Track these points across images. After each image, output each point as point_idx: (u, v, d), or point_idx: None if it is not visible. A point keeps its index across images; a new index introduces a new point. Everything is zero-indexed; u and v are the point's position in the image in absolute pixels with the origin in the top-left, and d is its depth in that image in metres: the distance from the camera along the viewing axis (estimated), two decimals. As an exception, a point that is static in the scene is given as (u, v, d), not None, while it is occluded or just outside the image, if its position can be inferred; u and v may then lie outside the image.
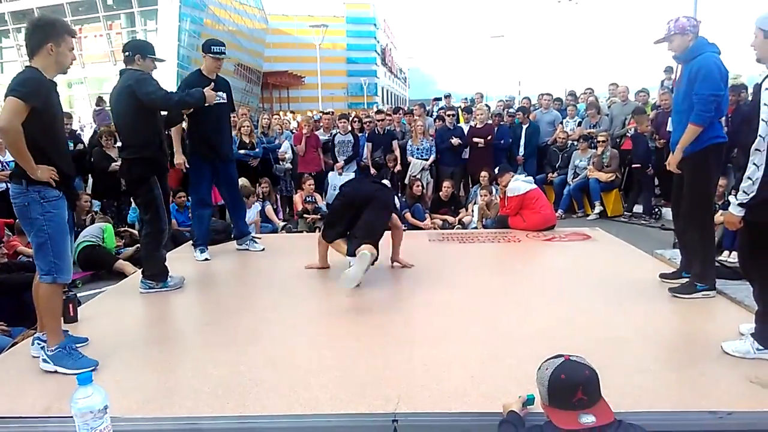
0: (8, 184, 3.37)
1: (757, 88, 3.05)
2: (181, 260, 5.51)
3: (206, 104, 4.81)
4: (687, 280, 4.25)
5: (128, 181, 4.77)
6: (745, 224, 3.09)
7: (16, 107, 3.02)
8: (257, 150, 9.38)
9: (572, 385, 2.04)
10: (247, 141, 9.35)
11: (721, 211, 6.25)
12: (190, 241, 6.05)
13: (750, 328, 3.34)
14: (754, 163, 2.92)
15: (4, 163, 7.91)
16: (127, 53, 4.53)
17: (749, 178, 2.94)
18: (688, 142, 3.98)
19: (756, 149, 2.91)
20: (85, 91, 35.00)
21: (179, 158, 5.65)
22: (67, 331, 3.56)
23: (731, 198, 3.09)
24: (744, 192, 2.98)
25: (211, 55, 5.43)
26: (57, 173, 3.18)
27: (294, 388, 2.92)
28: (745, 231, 3.15)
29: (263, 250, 6.15)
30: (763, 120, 2.86)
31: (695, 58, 3.94)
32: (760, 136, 2.88)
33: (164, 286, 4.63)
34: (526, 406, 2.48)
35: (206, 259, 5.67)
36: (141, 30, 39.59)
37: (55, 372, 3.13)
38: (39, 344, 3.31)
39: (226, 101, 5.55)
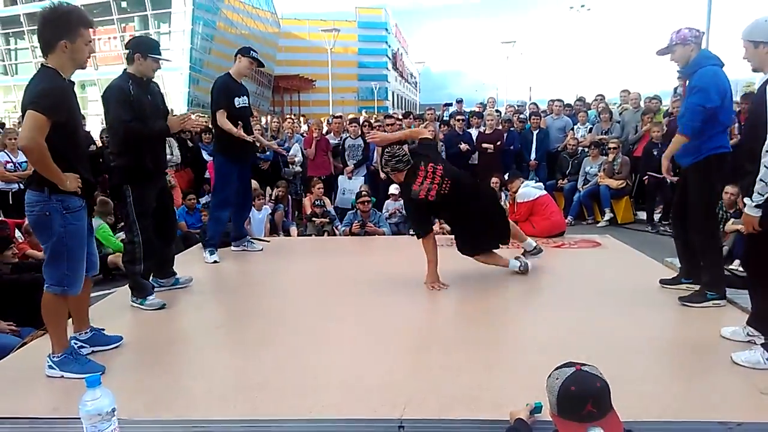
0: (19, 186, 3.27)
1: (761, 92, 3.05)
2: (189, 262, 5.53)
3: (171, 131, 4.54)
4: (697, 288, 4.22)
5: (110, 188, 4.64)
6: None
7: (38, 123, 2.85)
8: (268, 153, 9.37)
9: (583, 397, 2.00)
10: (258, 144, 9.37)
11: (732, 220, 6.23)
12: (200, 243, 6.06)
13: (732, 331, 3.40)
14: (765, 165, 2.93)
15: (17, 164, 8.00)
16: (127, 51, 4.33)
17: (762, 180, 2.96)
18: (673, 152, 4.14)
19: (766, 151, 2.92)
20: (97, 93, 35.28)
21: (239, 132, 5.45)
22: (102, 329, 3.59)
23: (746, 200, 3.10)
24: (759, 193, 3.00)
25: (249, 57, 5.53)
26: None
27: (301, 393, 2.92)
28: (753, 235, 3.17)
29: (262, 250, 6.18)
30: None
31: (695, 72, 3.94)
32: None
33: (142, 303, 4.34)
34: (533, 414, 2.45)
35: (215, 262, 5.68)
36: (154, 32, 39.91)
37: (61, 377, 3.10)
38: (75, 343, 3.33)
39: (247, 105, 5.71)
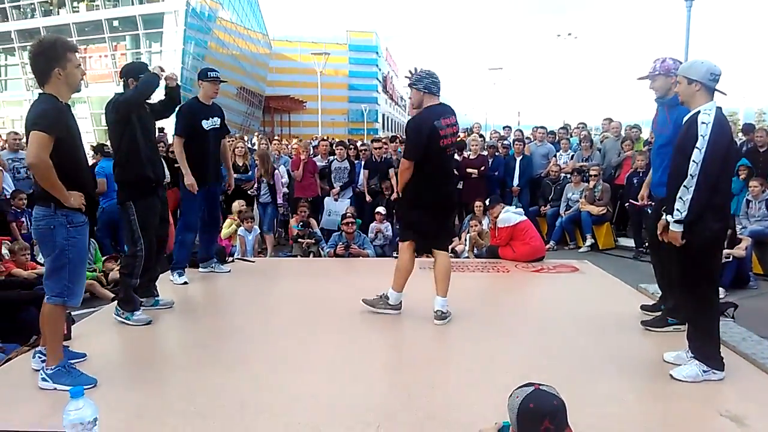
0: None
1: (693, 120, 3.31)
2: (161, 282, 5.35)
3: (162, 79, 4.56)
4: (660, 313, 4.39)
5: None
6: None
7: (42, 141, 3.06)
8: (250, 173, 9.21)
9: (540, 414, 2.13)
10: (241, 163, 9.24)
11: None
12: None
13: (675, 356, 3.59)
14: (685, 186, 3.24)
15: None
16: (123, 79, 4.60)
17: (681, 198, 3.27)
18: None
19: (691, 175, 3.21)
20: (87, 111, 35.32)
21: (189, 179, 5.47)
22: (67, 346, 3.65)
23: (667, 217, 3.36)
24: (678, 210, 3.28)
25: (207, 80, 5.55)
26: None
27: (278, 411, 3.01)
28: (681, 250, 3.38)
29: (229, 272, 6.25)
30: (697, 148, 3.20)
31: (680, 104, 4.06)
32: (693, 161, 3.21)
33: (128, 318, 4.42)
34: (501, 432, 2.56)
35: (185, 283, 5.68)
36: (145, 52, 40.05)
37: (54, 390, 3.19)
38: (40, 357, 3.38)
39: (220, 127, 5.70)
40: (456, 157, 10.49)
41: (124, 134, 4.38)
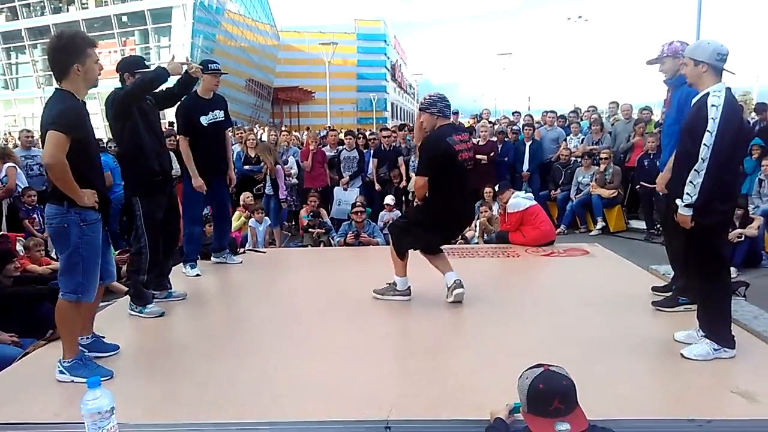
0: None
1: (703, 104, 3.25)
2: (173, 275, 5.42)
3: (172, 75, 4.36)
4: (670, 293, 4.39)
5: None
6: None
7: (59, 141, 3.05)
8: (262, 164, 9.35)
9: (550, 394, 2.15)
10: (252, 155, 9.45)
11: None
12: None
13: (686, 335, 3.58)
14: (696, 170, 3.20)
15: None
16: (119, 74, 4.50)
17: (691, 182, 3.23)
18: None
19: (702, 158, 3.17)
20: (98, 106, 35.46)
21: (197, 181, 5.49)
22: (103, 337, 3.74)
23: (678, 201, 3.33)
24: (688, 194, 3.25)
25: (207, 73, 5.31)
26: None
27: (291, 397, 3.05)
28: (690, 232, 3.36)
29: (241, 263, 6.27)
30: (708, 131, 3.15)
31: (685, 83, 4.07)
32: (704, 145, 3.16)
33: (141, 311, 4.48)
34: (512, 413, 2.56)
35: (197, 275, 5.71)
36: (154, 46, 40.22)
37: (72, 382, 3.24)
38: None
39: (223, 119, 5.63)
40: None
41: (125, 128, 4.34)
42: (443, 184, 4.35)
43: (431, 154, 4.34)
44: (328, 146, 10.48)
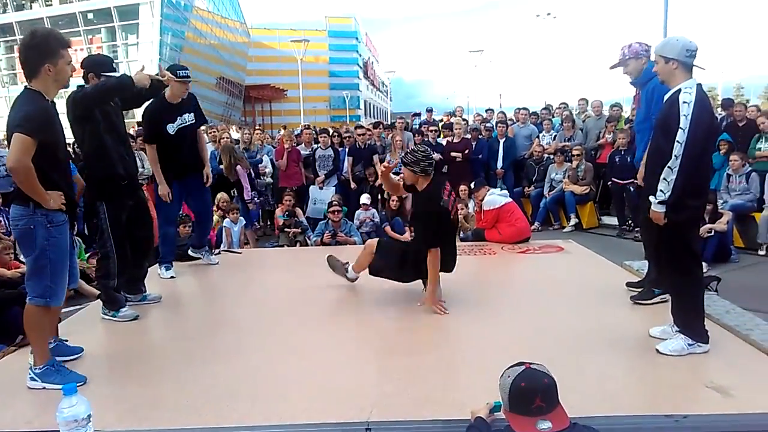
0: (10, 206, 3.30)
1: (675, 101, 3.29)
2: (148, 277, 5.33)
3: (137, 85, 4.10)
4: (645, 287, 4.46)
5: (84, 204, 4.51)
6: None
7: (25, 144, 2.97)
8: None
9: (531, 392, 2.17)
10: None
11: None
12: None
13: (660, 331, 3.64)
14: (669, 167, 3.24)
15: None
16: (83, 71, 4.31)
17: (665, 179, 3.27)
18: None
19: (675, 155, 3.20)
20: (64, 107, 34.73)
21: (163, 189, 5.37)
22: (66, 340, 3.65)
23: (651, 198, 3.38)
24: (661, 191, 3.29)
25: (177, 79, 5.13)
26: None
27: (271, 400, 3.02)
28: (663, 228, 3.41)
29: (217, 263, 6.21)
30: (681, 128, 3.19)
31: (650, 80, 4.15)
32: (677, 142, 3.19)
33: (114, 315, 4.39)
34: (493, 412, 2.58)
35: (172, 277, 5.63)
36: (122, 44, 39.55)
37: (44, 389, 3.16)
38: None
39: (194, 121, 5.47)
40: (440, 141, 10.56)
41: (86, 131, 4.19)
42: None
43: (430, 224, 4.39)
44: (303, 145, 10.42)
